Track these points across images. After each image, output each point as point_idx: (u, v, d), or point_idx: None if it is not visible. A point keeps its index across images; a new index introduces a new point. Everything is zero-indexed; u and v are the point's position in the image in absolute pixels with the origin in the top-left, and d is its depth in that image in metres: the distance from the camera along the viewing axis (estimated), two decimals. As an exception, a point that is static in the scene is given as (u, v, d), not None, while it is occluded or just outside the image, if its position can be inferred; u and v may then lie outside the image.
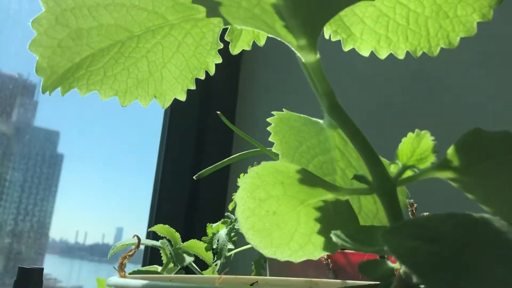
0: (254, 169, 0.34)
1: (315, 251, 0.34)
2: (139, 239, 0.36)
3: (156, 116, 1.37)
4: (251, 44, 0.44)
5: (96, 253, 1.51)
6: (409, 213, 0.46)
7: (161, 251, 0.63)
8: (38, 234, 1.43)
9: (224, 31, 0.43)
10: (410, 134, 0.31)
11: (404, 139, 0.31)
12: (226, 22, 0.33)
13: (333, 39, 0.43)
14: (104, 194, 1.50)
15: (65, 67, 0.37)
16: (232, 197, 0.35)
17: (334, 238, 0.28)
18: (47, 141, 1.51)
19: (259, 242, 0.34)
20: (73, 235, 1.53)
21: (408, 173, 0.31)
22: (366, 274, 0.26)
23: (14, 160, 1.41)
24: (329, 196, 0.34)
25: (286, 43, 0.32)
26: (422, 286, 0.21)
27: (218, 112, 0.49)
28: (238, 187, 0.35)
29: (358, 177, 0.31)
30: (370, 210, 0.41)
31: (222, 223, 0.61)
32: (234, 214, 0.64)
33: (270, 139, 0.42)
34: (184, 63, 0.40)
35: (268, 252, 0.34)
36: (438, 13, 0.41)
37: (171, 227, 0.60)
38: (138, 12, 0.37)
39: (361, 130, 0.32)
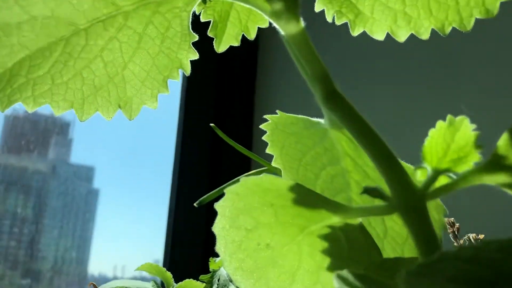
0: (233, 188, 0.24)
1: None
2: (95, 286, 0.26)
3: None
4: (239, 38, 0.34)
5: (135, 286, 1.44)
6: (450, 235, 0.35)
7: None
8: (77, 270, 1.37)
9: (205, 24, 0.33)
10: (440, 124, 0.20)
11: (432, 132, 0.20)
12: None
13: (337, 22, 0.33)
14: (140, 226, 1.43)
15: (-8, 73, 0.27)
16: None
17: (336, 284, 0.17)
18: (83, 177, 1.47)
19: (252, 286, 0.24)
20: (111, 269, 1.46)
21: (442, 180, 0.20)
22: None
23: (51, 197, 1.37)
24: (336, 219, 0.23)
25: (258, 11, 0.22)
26: None
27: (212, 124, 0.39)
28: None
29: (371, 191, 0.20)
30: (398, 234, 0.29)
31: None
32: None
33: (267, 151, 0.32)
34: (150, 61, 0.30)
35: (264, 300, 0.23)
36: (469, -25, 0.30)
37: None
38: (81, -1, 0.28)
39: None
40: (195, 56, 0.31)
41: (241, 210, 0.24)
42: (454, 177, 0.20)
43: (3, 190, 1.26)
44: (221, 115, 1.16)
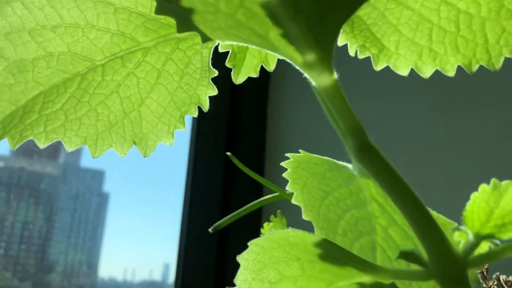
0: (257, 241, 0.23)
1: None
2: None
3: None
4: (258, 70, 0.32)
5: (145, 290, 1.44)
6: (479, 276, 0.33)
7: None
8: (88, 273, 1.37)
9: (223, 55, 0.32)
10: (483, 187, 0.18)
11: (474, 195, 0.18)
12: (205, 38, 0.22)
13: (360, 56, 0.31)
14: (150, 230, 1.42)
15: (5, 111, 0.26)
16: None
17: None
18: (93, 181, 1.46)
19: None
20: (121, 273, 1.45)
21: (484, 246, 0.19)
22: None
23: (62, 200, 1.37)
24: (366, 278, 0.21)
25: (289, 61, 0.20)
26: None
27: (228, 153, 0.37)
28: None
29: (407, 255, 0.19)
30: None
31: None
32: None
33: (288, 188, 0.30)
34: (168, 98, 0.29)
35: None
36: (499, 12, 0.28)
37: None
38: (99, 34, 0.26)
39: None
40: (214, 92, 0.30)
41: (265, 263, 0.23)
42: (499, 244, 0.18)
43: (14, 194, 1.25)
44: (233, 139, 1.14)
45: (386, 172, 0.20)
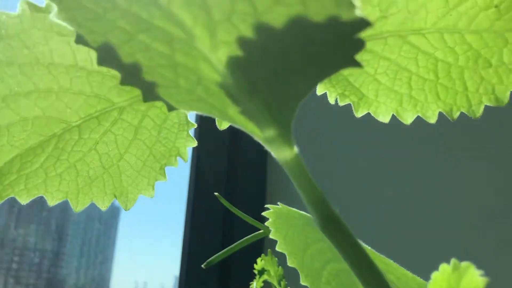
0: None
1: None
2: None
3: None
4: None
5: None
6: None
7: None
8: (100, 287, 1.38)
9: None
10: (444, 267, 0.18)
11: (435, 275, 0.18)
12: (170, 107, 0.22)
13: (340, 103, 0.31)
14: (161, 243, 1.42)
15: (-18, 176, 0.26)
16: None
17: None
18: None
19: None
20: (133, 286, 1.46)
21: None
22: None
23: (73, 214, 1.37)
24: None
25: (249, 134, 0.20)
26: None
27: (216, 193, 0.37)
28: None
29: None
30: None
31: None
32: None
33: (271, 236, 0.30)
34: (147, 152, 0.29)
35: None
36: (477, 61, 0.28)
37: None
38: (73, 97, 0.26)
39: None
40: (194, 143, 0.30)
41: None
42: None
43: (25, 206, 1.26)
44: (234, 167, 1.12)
45: (347, 245, 0.20)
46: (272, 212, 0.29)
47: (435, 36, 0.28)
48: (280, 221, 0.29)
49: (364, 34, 0.27)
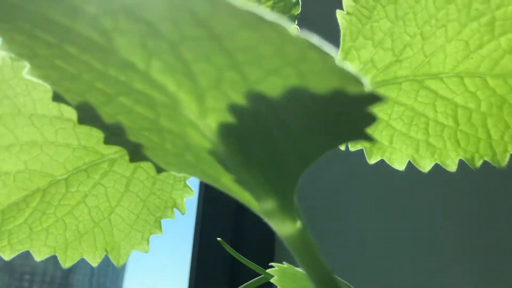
0: None
1: None
2: None
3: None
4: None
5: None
6: None
7: None
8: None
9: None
10: None
11: None
12: (159, 169, 0.19)
13: (352, 149, 0.28)
14: (172, 258, 1.41)
15: (-39, 234, 0.24)
16: None
17: None
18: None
19: None
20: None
21: None
22: None
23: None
24: None
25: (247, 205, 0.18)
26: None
27: (218, 238, 0.35)
28: None
29: None
30: None
31: None
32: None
33: (276, 292, 0.28)
34: (140, 204, 0.27)
35: None
36: (502, 107, 0.25)
37: None
38: (59, 149, 0.24)
39: None
40: (191, 194, 0.27)
41: None
42: None
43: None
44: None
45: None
46: (278, 270, 0.27)
47: (454, 80, 0.25)
48: (286, 280, 0.27)
49: (375, 80, 0.24)
